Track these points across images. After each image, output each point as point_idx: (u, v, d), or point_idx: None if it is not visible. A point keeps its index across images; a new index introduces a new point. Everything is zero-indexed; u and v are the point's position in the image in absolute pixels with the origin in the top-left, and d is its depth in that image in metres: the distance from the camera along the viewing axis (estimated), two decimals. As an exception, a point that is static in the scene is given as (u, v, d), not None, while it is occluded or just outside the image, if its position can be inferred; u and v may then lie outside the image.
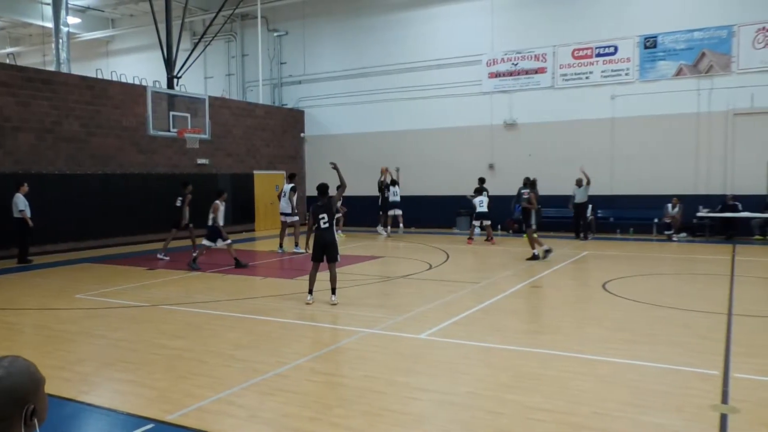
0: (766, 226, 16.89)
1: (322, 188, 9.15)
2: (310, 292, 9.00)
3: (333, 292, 8.89)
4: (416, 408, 4.87)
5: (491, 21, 20.42)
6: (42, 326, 8.07)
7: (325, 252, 8.88)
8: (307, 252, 14.14)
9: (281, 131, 23.42)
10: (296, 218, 15.67)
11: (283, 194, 15.77)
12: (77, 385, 5.53)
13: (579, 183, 18.02)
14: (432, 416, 4.73)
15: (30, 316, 8.81)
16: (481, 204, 17.12)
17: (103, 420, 4.85)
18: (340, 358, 6.46)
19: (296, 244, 15.45)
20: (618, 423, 4.48)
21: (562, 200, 18.44)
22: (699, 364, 5.85)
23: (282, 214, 15.75)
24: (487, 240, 17.23)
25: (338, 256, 8.96)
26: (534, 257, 13.24)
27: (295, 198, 15.68)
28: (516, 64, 20.12)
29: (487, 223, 17.38)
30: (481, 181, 18.19)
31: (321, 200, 9.02)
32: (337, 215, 15.07)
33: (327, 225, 8.87)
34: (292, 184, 15.71)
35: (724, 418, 4.53)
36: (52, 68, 19.42)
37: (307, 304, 8.85)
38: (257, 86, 23.19)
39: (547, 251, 13.50)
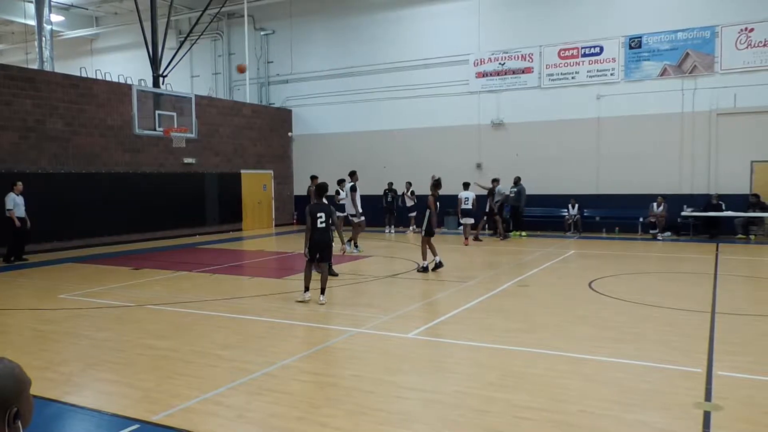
0: (749, 225, 17.10)
1: (322, 188, 9.13)
2: (307, 289, 9.02)
3: (322, 291, 8.90)
4: (404, 407, 4.87)
5: (478, 21, 20.48)
6: (26, 326, 7.98)
7: (319, 251, 8.90)
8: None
9: (268, 130, 23.33)
10: (362, 218, 14.91)
11: (344, 195, 14.86)
12: (61, 386, 5.48)
13: (499, 182, 18.07)
14: (419, 415, 4.73)
15: (13, 316, 8.70)
16: (467, 201, 16.75)
17: (88, 421, 4.80)
18: (327, 357, 6.45)
19: (355, 245, 14.89)
20: (603, 421, 4.51)
21: (551, 200, 18.55)
22: (683, 362, 5.91)
23: (349, 215, 14.93)
24: (475, 240, 17.13)
25: (331, 258, 8.97)
26: (423, 269, 11.82)
27: (357, 196, 14.65)
28: (503, 64, 20.20)
29: (470, 221, 16.83)
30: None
31: (318, 200, 9.03)
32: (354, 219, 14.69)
33: (324, 225, 8.88)
34: (351, 183, 14.71)
35: (707, 416, 4.57)
36: (35, 66, 19.21)
37: (304, 301, 8.87)
38: (244, 85, 23.08)
39: (438, 265, 11.96)
